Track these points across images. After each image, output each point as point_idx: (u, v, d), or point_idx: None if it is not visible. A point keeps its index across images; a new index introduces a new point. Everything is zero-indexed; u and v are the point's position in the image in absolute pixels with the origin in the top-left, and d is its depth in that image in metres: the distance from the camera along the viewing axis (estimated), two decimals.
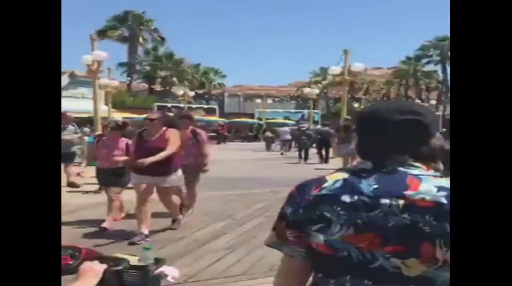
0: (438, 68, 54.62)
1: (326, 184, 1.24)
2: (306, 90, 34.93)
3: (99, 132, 24.97)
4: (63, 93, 30.63)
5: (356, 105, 42.98)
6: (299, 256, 1.28)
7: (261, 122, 40.01)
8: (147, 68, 45.85)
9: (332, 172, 1.30)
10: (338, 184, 1.22)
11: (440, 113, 32.63)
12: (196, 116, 37.62)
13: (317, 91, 35.67)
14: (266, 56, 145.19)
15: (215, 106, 43.41)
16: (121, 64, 44.72)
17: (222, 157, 17.27)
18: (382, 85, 58.22)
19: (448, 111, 30.60)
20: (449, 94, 29.69)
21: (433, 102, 50.27)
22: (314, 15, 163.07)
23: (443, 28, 53.88)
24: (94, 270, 1.58)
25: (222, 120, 38.04)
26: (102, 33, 42.59)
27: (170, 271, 1.76)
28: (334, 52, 48.83)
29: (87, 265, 1.59)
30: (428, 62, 54.96)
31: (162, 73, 45.04)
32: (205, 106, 42.65)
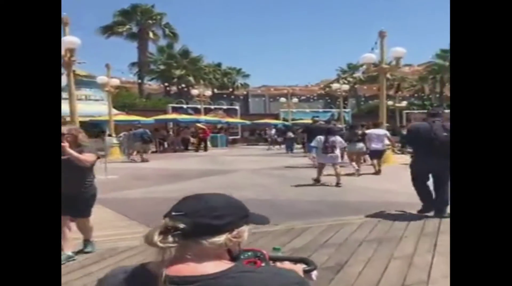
0: None
1: None
2: (336, 85, 31.37)
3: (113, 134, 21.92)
4: (63, 94, 27.81)
5: (390, 103, 39.19)
6: None
7: (286, 123, 36.78)
8: (161, 67, 42.70)
9: None
10: None
11: None
12: (215, 117, 35.30)
13: (347, 86, 32.05)
14: (290, 55, 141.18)
15: (237, 107, 40.24)
16: (133, 64, 41.78)
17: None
18: (414, 82, 54.08)
19: None
20: None
21: None
22: (339, 12, 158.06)
23: None
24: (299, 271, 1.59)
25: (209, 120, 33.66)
26: (109, 29, 39.83)
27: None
28: (361, 49, 45.00)
29: (292, 267, 1.59)
30: None
31: (177, 72, 41.77)
32: (225, 107, 39.48)
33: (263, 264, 1.58)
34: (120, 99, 33.17)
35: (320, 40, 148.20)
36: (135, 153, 20.94)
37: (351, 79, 47.27)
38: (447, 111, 5.64)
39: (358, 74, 51.88)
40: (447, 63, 50.35)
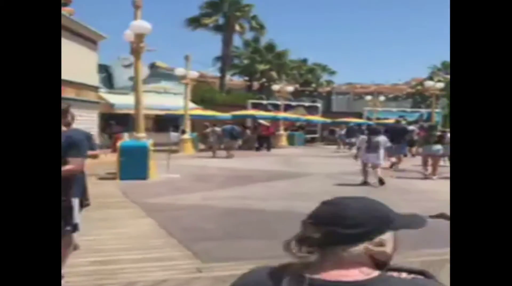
0: None
1: None
2: (429, 83, 28.70)
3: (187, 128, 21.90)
4: (143, 87, 27.69)
5: None
6: None
7: (370, 122, 34.67)
8: (245, 61, 41.73)
9: None
10: None
11: None
12: (295, 115, 34.02)
13: (442, 84, 29.21)
14: (379, 52, 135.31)
15: (318, 105, 38.56)
16: (217, 58, 41.23)
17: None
18: None
19: None
20: None
21: None
22: (432, 8, 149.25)
23: None
24: None
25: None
26: (195, 21, 39.47)
27: None
28: None
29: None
30: None
31: (261, 67, 40.60)
32: (306, 104, 37.96)
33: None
34: (200, 93, 32.81)
35: (411, 38, 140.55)
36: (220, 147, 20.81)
37: (443, 78, 43.92)
38: None
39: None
40: None
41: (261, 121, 28.54)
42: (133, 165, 11.80)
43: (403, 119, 25.13)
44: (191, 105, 27.57)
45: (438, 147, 13.05)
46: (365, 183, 11.45)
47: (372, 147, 11.32)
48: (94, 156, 5.59)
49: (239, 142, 22.66)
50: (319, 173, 14.09)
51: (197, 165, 16.20)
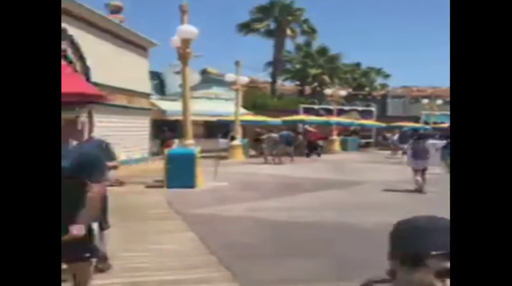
0: None
1: None
2: None
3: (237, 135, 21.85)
4: (194, 93, 27.81)
5: None
6: None
7: (427, 126, 33.29)
8: (297, 66, 41.15)
9: None
10: None
11: None
12: (348, 119, 33.14)
13: None
14: (435, 53, 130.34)
15: (373, 109, 37.42)
16: (269, 64, 40.90)
17: None
18: None
19: None
20: None
21: None
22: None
23: None
24: None
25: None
26: (246, 27, 39.31)
27: None
28: None
29: None
30: None
31: (313, 71, 39.90)
32: (360, 108, 36.92)
33: None
34: (251, 99, 32.60)
35: None
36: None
37: None
38: None
39: None
40: None
41: (307, 127, 27.77)
42: (180, 173, 11.59)
43: None
44: (242, 110, 27.40)
45: None
46: (419, 191, 11.09)
47: (419, 153, 11.13)
48: (114, 167, 5.24)
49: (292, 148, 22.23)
50: (372, 181, 13.40)
51: (247, 172, 15.85)
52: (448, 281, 1.05)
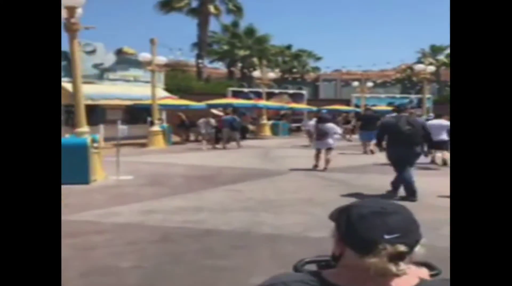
0: None
1: None
2: (420, 66, 26.54)
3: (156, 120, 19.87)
4: (110, 75, 25.38)
5: None
6: None
7: (358, 109, 32.70)
8: (225, 47, 39.27)
9: None
10: None
11: None
12: (278, 103, 31.88)
13: (432, 68, 27.21)
14: (366, 36, 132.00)
15: (303, 92, 36.42)
16: (195, 45, 38.76)
17: None
18: None
19: None
20: None
21: None
22: None
23: None
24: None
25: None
26: (166, 5, 36.84)
27: None
28: (446, 29, 38.99)
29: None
30: None
31: (241, 53, 38.19)
32: (291, 92, 35.79)
33: None
34: (175, 82, 30.54)
35: (399, 21, 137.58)
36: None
37: (433, 62, 42.11)
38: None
39: (441, 57, 46.61)
40: None
41: (213, 111, 25.58)
42: (70, 168, 9.62)
43: (371, 107, 23.96)
44: (165, 94, 25.33)
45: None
46: (315, 166, 12.21)
47: (321, 135, 12.15)
48: None
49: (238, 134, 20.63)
50: (298, 170, 12.06)
51: (163, 162, 14.03)
52: (402, 264, 1.06)
